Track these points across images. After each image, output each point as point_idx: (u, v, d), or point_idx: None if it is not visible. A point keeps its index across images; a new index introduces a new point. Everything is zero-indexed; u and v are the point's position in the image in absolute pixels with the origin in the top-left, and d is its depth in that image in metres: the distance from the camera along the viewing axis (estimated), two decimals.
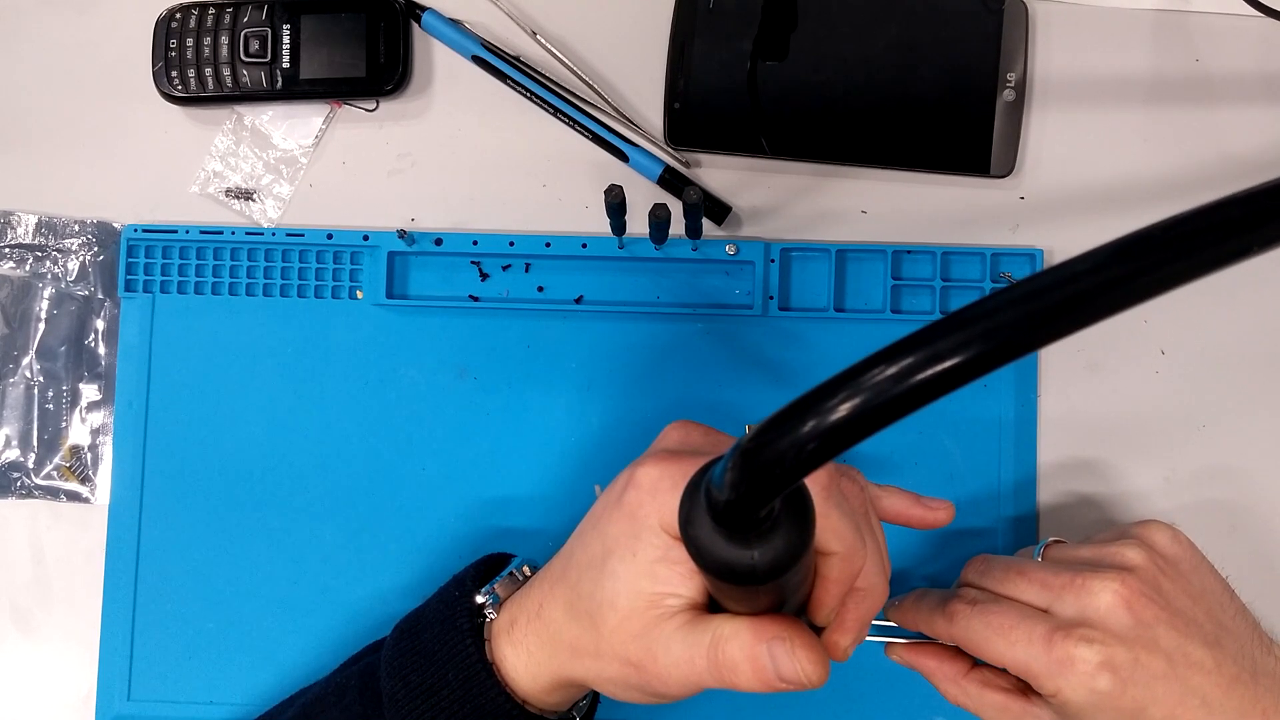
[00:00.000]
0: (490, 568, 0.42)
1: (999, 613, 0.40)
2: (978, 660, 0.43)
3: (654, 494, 0.33)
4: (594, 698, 0.42)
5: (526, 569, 0.41)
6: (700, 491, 0.26)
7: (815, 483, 0.29)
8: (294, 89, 0.53)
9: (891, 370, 0.19)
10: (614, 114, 0.53)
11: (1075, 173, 0.52)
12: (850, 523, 0.34)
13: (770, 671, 0.32)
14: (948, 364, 0.19)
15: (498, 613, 0.39)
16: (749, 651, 0.32)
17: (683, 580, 0.33)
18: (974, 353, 0.19)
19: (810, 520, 0.27)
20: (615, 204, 0.45)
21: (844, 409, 0.20)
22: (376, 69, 0.53)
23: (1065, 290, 0.19)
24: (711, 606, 0.34)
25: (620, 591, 0.33)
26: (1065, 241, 0.51)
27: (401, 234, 0.51)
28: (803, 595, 0.35)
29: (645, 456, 0.35)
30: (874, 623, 0.48)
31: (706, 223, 0.52)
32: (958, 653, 0.44)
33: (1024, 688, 0.41)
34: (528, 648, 0.37)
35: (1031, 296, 0.19)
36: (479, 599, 0.39)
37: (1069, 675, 0.37)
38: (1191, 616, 0.39)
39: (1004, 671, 0.41)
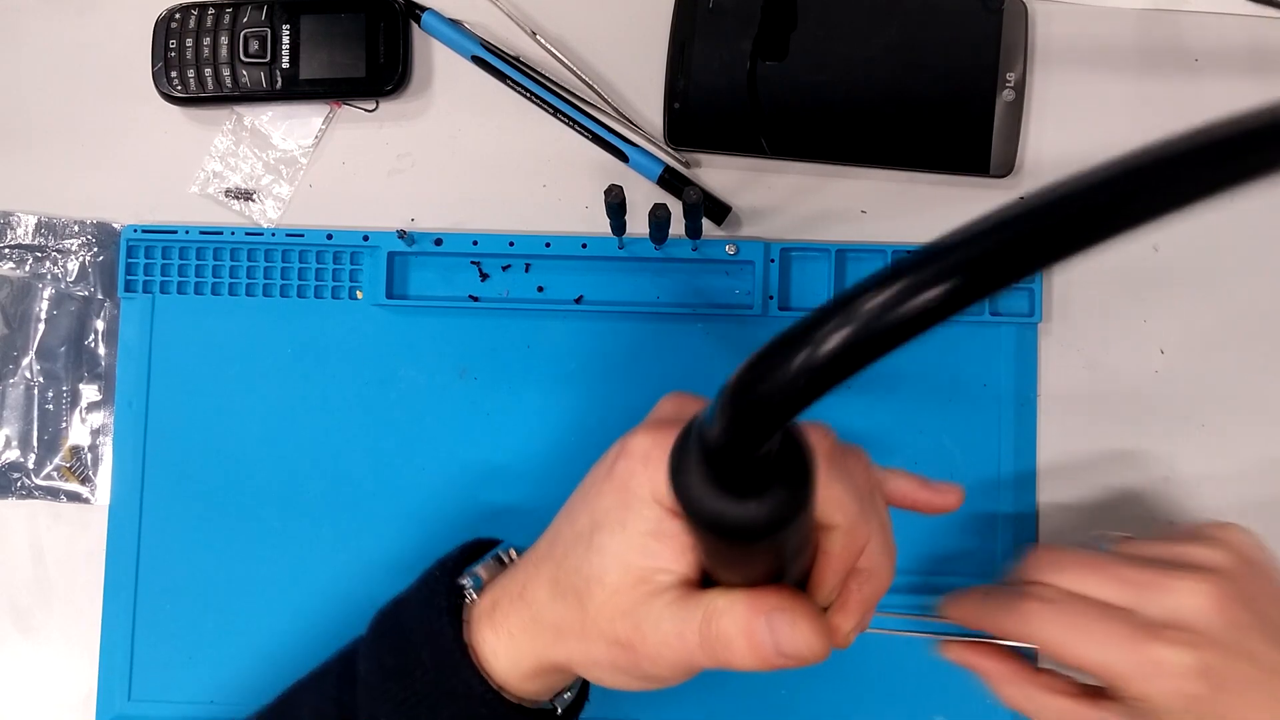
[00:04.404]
0: (476, 551, 0.40)
1: (1079, 611, 0.38)
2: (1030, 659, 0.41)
3: (646, 463, 0.31)
4: (580, 691, 0.40)
5: (513, 552, 0.39)
6: (691, 440, 0.25)
7: (818, 451, 0.26)
8: (294, 89, 0.53)
9: (890, 293, 0.18)
10: (614, 114, 0.53)
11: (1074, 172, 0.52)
12: (854, 495, 0.32)
13: (768, 646, 0.30)
14: (948, 286, 0.17)
15: (479, 595, 0.37)
16: (745, 625, 0.30)
17: (675, 555, 0.31)
18: (979, 273, 0.17)
19: (810, 474, 0.25)
20: (615, 204, 0.45)
21: (837, 337, 0.18)
22: (376, 69, 0.53)
23: (1093, 197, 0.17)
24: (706, 583, 0.32)
25: (608, 566, 0.31)
26: None
27: (401, 234, 0.51)
28: (801, 568, 0.33)
29: (639, 426, 0.33)
30: (892, 616, 0.47)
31: (706, 223, 0.52)
32: (1017, 654, 0.42)
33: (1092, 692, 0.39)
34: (509, 630, 0.35)
35: (1051, 208, 0.17)
36: (460, 580, 0.37)
37: (1158, 679, 0.35)
38: (1278, 622, 0.37)
39: (1067, 676, 0.40)
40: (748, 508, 0.25)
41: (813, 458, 0.26)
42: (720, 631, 0.30)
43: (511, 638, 0.35)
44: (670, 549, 0.31)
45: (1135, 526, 0.51)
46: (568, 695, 0.39)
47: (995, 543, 0.50)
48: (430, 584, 0.38)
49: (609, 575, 0.32)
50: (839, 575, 0.33)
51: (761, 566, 0.30)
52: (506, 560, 0.39)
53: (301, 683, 0.41)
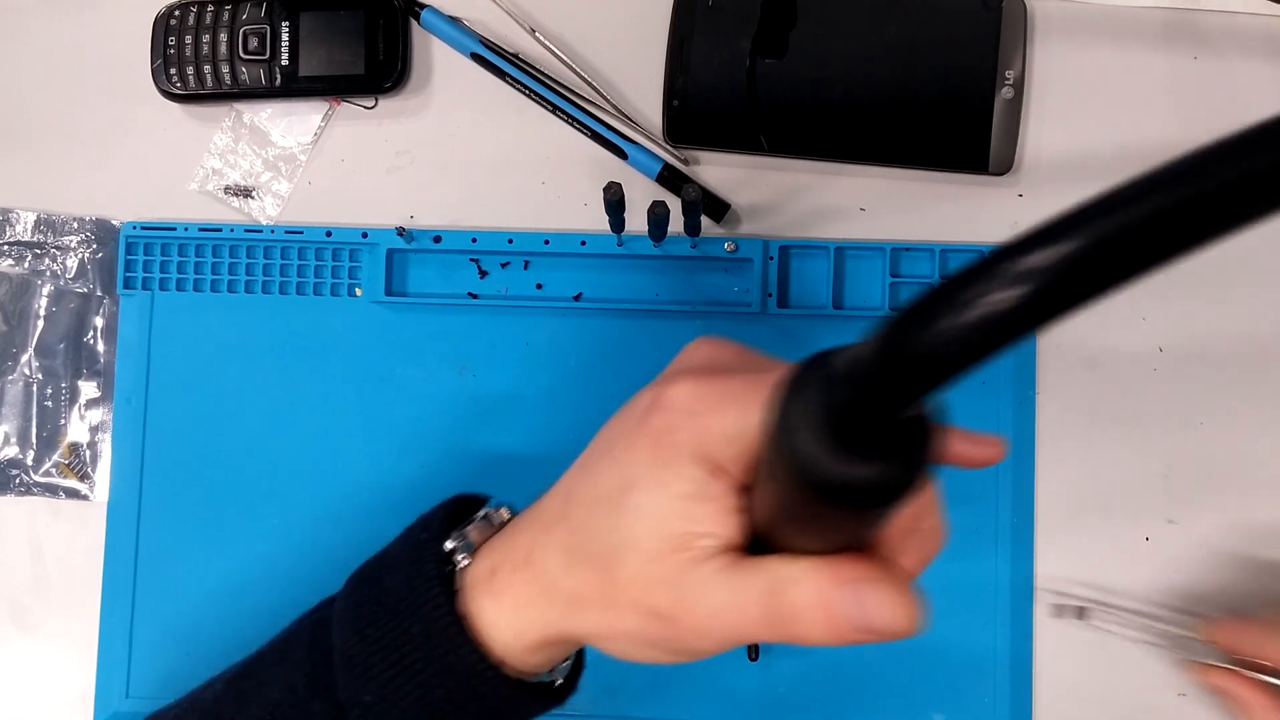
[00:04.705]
0: (461, 510, 0.37)
1: None
2: None
3: (690, 415, 0.28)
4: (577, 660, 0.37)
5: (505, 512, 0.36)
6: (808, 390, 0.21)
7: None
8: (293, 86, 0.53)
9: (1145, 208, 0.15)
10: (613, 111, 0.53)
11: (1073, 170, 0.52)
12: None
13: (848, 619, 0.27)
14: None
15: (472, 559, 0.34)
16: (821, 597, 0.27)
17: (719, 518, 0.28)
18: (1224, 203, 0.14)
19: (937, 433, 0.22)
20: (614, 201, 0.45)
21: (1022, 287, 0.15)
22: (375, 66, 0.53)
23: None
24: (752, 549, 0.29)
25: (644, 531, 0.28)
26: None
27: (400, 231, 0.51)
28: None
29: (672, 374, 0.30)
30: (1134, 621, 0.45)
31: (705, 220, 0.52)
32: (1274, 687, 0.41)
33: None
34: (513, 600, 0.32)
35: None
36: (449, 544, 0.34)
37: None
38: None
39: None
40: (877, 470, 0.21)
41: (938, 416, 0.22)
42: (791, 603, 0.27)
43: (516, 608, 0.32)
44: (714, 512, 0.28)
45: (1135, 526, 0.51)
46: (565, 664, 0.36)
47: (994, 544, 0.50)
48: (415, 546, 0.35)
49: (644, 541, 0.28)
50: (904, 536, 0.29)
51: (848, 534, 0.27)
52: (497, 520, 0.36)
53: (263, 654, 0.38)
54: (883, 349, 0.18)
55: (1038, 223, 0.15)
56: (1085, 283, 0.15)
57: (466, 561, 0.34)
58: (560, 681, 0.36)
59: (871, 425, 0.20)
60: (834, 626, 0.27)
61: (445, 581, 0.33)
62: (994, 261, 0.16)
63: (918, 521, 0.29)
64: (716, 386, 0.28)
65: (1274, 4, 0.51)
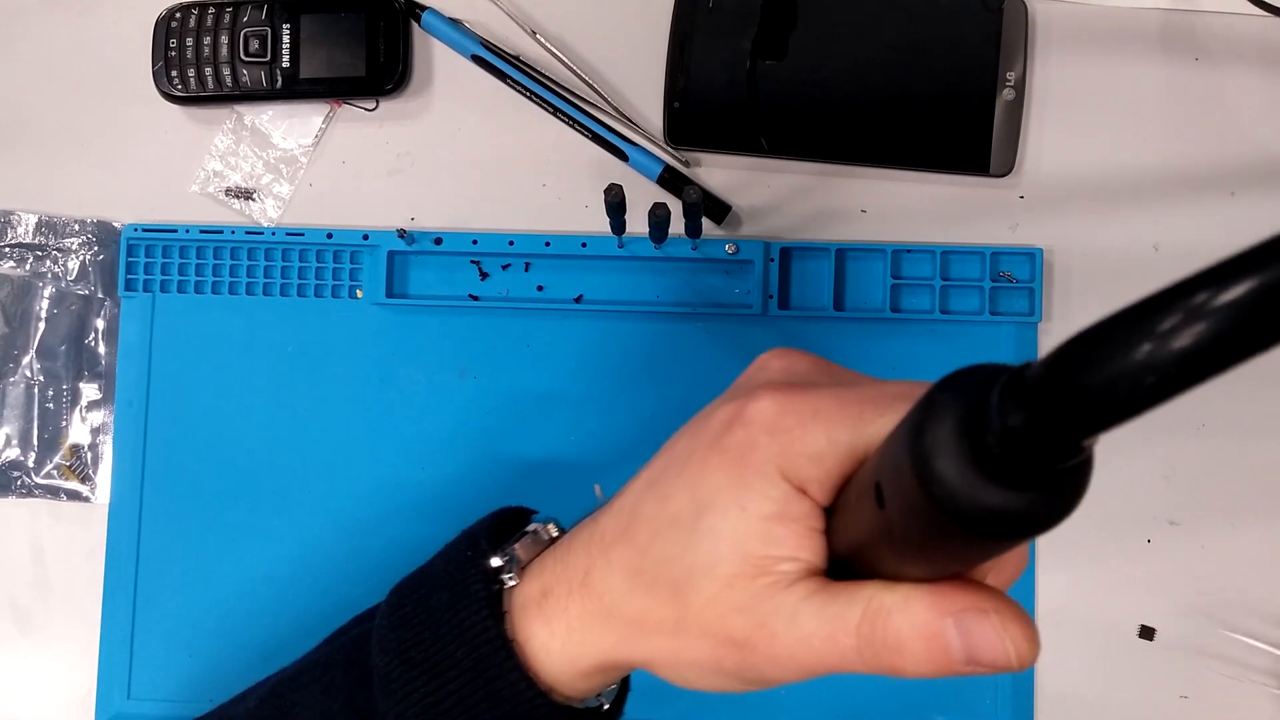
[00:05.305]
0: (507, 524, 0.35)
1: None
2: None
3: (773, 434, 0.26)
4: (624, 684, 0.36)
5: (553, 528, 0.34)
6: (954, 411, 0.20)
7: None
8: (294, 88, 0.53)
9: None
10: (614, 113, 0.53)
11: (1074, 172, 0.52)
12: None
13: (955, 651, 0.25)
14: None
15: (520, 579, 0.32)
16: (927, 628, 0.25)
17: (800, 541, 0.26)
18: None
19: (1090, 465, 0.20)
20: (615, 203, 0.45)
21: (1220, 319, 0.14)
22: (376, 68, 0.53)
23: None
24: (829, 574, 0.27)
25: (722, 555, 0.27)
26: (1065, 240, 0.51)
27: (401, 233, 0.51)
28: None
29: (750, 388, 0.28)
30: None
31: (706, 222, 0.51)
32: None
33: None
34: (567, 624, 0.30)
35: None
36: (495, 561, 0.32)
37: None
38: None
39: None
40: (1028, 502, 0.20)
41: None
42: (893, 633, 0.25)
43: (571, 632, 0.30)
44: (796, 534, 0.26)
45: (1137, 528, 0.50)
46: (613, 688, 0.35)
47: None
48: (460, 565, 0.33)
49: (721, 565, 0.27)
50: (994, 561, 0.27)
51: (963, 565, 0.25)
52: (546, 537, 0.34)
53: (300, 671, 0.37)
54: (1060, 378, 0.17)
55: (1234, 252, 0.15)
56: None
57: (514, 581, 0.32)
58: (607, 706, 0.35)
59: (1027, 461, 0.19)
60: (940, 659, 0.25)
61: (493, 603, 0.32)
62: (1195, 285, 0.15)
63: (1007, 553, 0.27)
64: (802, 402, 0.27)
65: (1274, 5, 0.51)
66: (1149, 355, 0.15)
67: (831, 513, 0.27)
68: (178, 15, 0.53)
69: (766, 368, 0.30)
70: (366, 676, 0.34)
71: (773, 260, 0.51)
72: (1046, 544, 0.50)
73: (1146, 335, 0.15)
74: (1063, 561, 0.50)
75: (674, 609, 0.28)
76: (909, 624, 0.25)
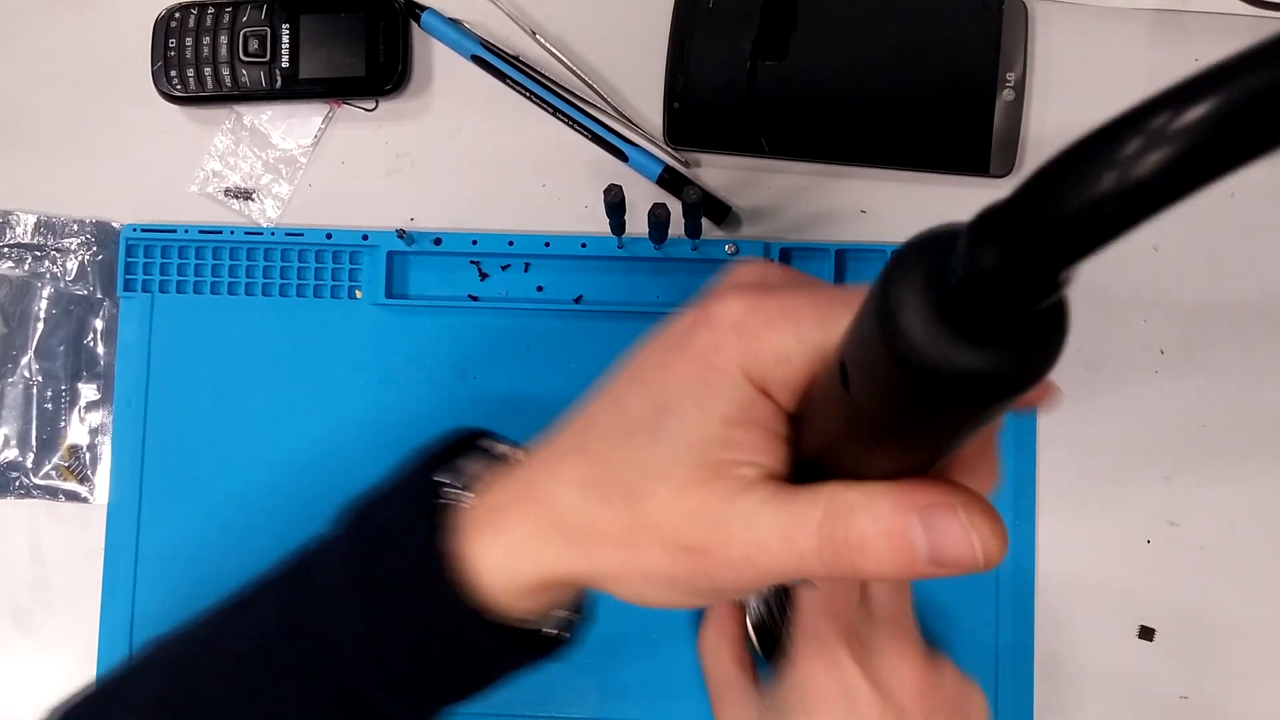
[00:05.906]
0: (463, 443, 0.34)
1: None
2: None
3: (740, 334, 0.25)
4: (580, 611, 0.34)
5: (518, 451, 0.33)
6: (921, 267, 0.18)
7: None
8: (293, 88, 0.53)
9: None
10: (613, 113, 0.53)
11: None
12: None
13: (919, 550, 0.23)
14: None
15: (472, 495, 0.31)
16: (889, 524, 0.23)
17: (762, 445, 0.25)
18: None
19: (1067, 317, 0.19)
20: (615, 204, 0.45)
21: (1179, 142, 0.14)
22: (376, 68, 0.53)
23: None
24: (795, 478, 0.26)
25: (678, 458, 0.25)
26: None
27: (401, 233, 0.51)
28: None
29: (718, 292, 0.27)
30: None
31: (706, 222, 0.51)
32: None
33: None
34: (509, 537, 0.29)
35: None
36: (439, 476, 0.31)
37: None
38: None
39: None
40: (1003, 358, 0.18)
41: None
42: (853, 532, 0.24)
43: (514, 545, 0.29)
44: (757, 437, 0.25)
45: (1137, 528, 0.51)
46: (563, 614, 0.33)
47: None
48: (405, 478, 0.32)
49: (677, 469, 0.25)
50: (961, 473, 0.26)
51: (929, 450, 0.23)
52: (500, 454, 0.33)
53: (237, 591, 0.36)
54: (1025, 211, 0.16)
55: (1190, 74, 0.14)
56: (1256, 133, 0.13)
57: (463, 497, 0.31)
58: (556, 634, 0.33)
59: (999, 307, 0.17)
60: (903, 559, 0.24)
61: (431, 514, 0.30)
62: (1151, 110, 0.15)
63: (978, 456, 0.26)
64: (772, 302, 0.25)
65: (1272, 9, 0.51)
66: (1109, 187, 0.15)
67: (797, 421, 0.26)
68: (177, 15, 0.53)
69: (738, 275, 0.29)
70: (308, 590, 0.33)
71: (773, 260, 0.51)
72: (1047, 544, 0.50)
73: (1106, 165, 0.15)
74: (1062, 561, 0.50)
75: (627, 516, 0.26)
76: (872, 521, 0.24)
